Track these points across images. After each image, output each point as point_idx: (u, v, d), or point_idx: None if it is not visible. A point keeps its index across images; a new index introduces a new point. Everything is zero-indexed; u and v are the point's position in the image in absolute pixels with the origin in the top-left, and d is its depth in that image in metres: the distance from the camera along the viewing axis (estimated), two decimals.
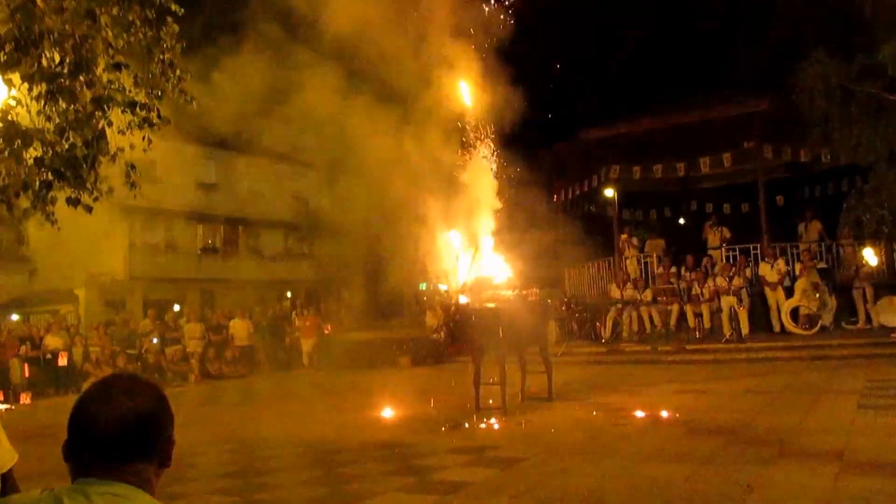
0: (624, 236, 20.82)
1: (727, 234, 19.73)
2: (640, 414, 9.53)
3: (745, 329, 16.32)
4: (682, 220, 24.66)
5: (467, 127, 12.13)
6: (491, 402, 10.43)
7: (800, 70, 14.57)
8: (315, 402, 13.61)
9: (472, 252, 11.29)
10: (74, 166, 4.91)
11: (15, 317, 22.04)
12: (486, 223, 11.63)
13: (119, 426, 1.65)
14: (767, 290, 16.91)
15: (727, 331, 16.32)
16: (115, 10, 4.94)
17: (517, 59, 12.25)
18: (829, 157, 17.18)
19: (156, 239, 27.87)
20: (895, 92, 13.94)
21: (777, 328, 16.67)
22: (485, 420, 9.81)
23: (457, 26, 11.90)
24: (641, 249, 20.83)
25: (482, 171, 11.96)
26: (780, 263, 17.09)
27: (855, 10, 14.10)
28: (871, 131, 14.07)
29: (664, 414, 9.41)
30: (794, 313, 16.41)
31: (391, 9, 11.55)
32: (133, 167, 5.42)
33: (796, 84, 14.61)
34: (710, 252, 19.30)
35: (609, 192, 20.88)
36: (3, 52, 4.52)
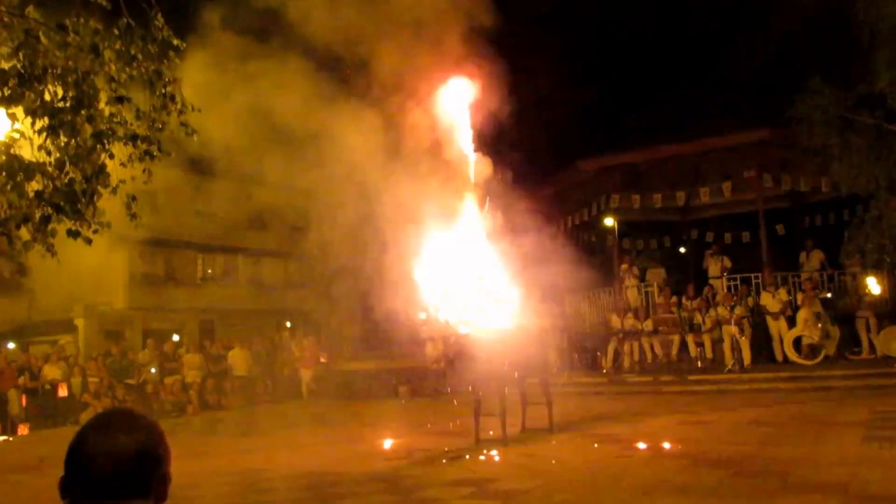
0: (624, 265, 20.79)
1: (728, 263, 19.73)
2: (642, 445, 9.46)
3: (747, 359, 16.26)
4: (682, 250, 24.67)
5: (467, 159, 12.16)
6: (491, 433, 10.36)
7: (798, 100, 14.64)
8: (314, 433, 13.52)
9: (474, 280, 11.26)
10: (73, 200, 4.92)
11: (11, 345, 21.91)
12: (486, 252, 11.61)
13: (117, 463, 1.63)
14: (769, 320, 16.86)
15: (729, 361, 16.24)
16: (118, 45, 4.97)
17: (516, 88, 12.29)
18: (829, 186, 17.21)
19: (155, 269, 27.83)
20: (894, 122, 13.99)
21: (780, 358, 16.60)
22: (485, 452, 9.73)
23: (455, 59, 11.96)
24: (642, 279, 20.81)
25: (481, 200, 11.97)
26: (782, 293, 17.06)
27: (853, 39, 14.18)
28: (870, 161, 14.10)
29: (666, 445, 9.34)
30: (797, 343, 16.34)
31: (391, 47, 11.63)
32: (134, 199, 5.43)
33: (795, 114, 14.67)
34: (711, 281, 19.27)
35: (609, 222, 20.90)
36: (6, 88, 4.54)
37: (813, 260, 18.83)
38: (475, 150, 12.12)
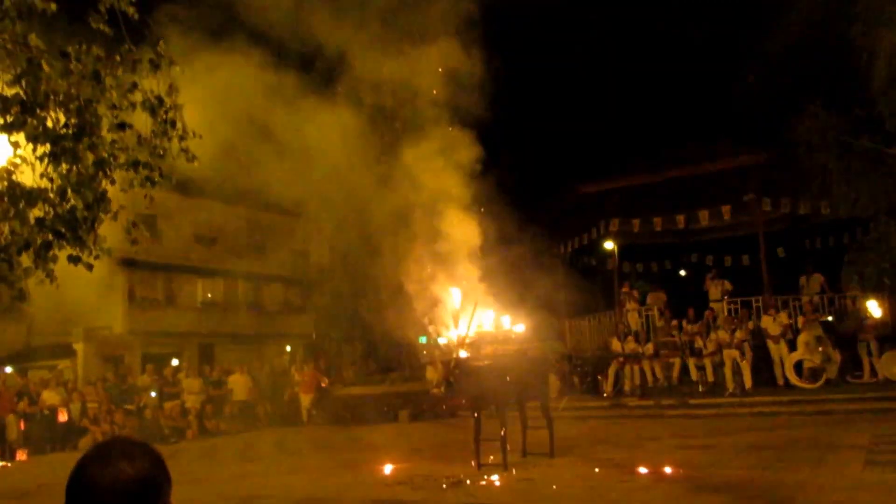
0: (625, 289, 20.81)
1: (728, 286, 19.74)
2: (643, 470, 9.40)
3: (748, 383, 16.22)
4: (682, 272, 24.69)
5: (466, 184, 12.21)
6: (492, 458, 10.30)
7: (797, 123, 14.71)
8: (315, 458, 13.45)
9: (472, 306, 11.25)
10: (74, 227, 4.94)
11: (8, 369, 21.84)
12: (486, 277, 11.62)
13: (118, 492, 1.64)
14: (770, 344, 16.82)
15: (730, 385, 16.19)
16: (119, 71, 5.01)
17: (515, 114, 12.39)
18: (828, 209, 17.24)
19: (155, 293, 27.82)
20: (893, 145, 14.04)
21: (781, 382, 16.55)
22: (486, 476, 9.68)
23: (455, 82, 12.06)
24: (642, 302, 20.80)
25: (479, 226, 12.00)
26: (783, 316, 17.04)
27: (851, 63, 14.28)
28: (870, 184, 14.14)
29: (668, 470, 9.29)
30: (798, 367, 16.30)
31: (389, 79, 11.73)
32: (135, 224, 5.45)
33: (794, 137, 14.73)
34: (712, 305, 19.27)
35: (609, 245, 20.93)
36: (9, 115, 4.57)
37: (813, 283, 18.84)
38: (477, 173, 12.16)
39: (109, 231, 5.46)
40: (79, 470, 1.68)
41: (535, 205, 20.63)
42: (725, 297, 19.34)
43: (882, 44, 13.69)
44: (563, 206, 21.81)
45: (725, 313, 18.37)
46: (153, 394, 19.31)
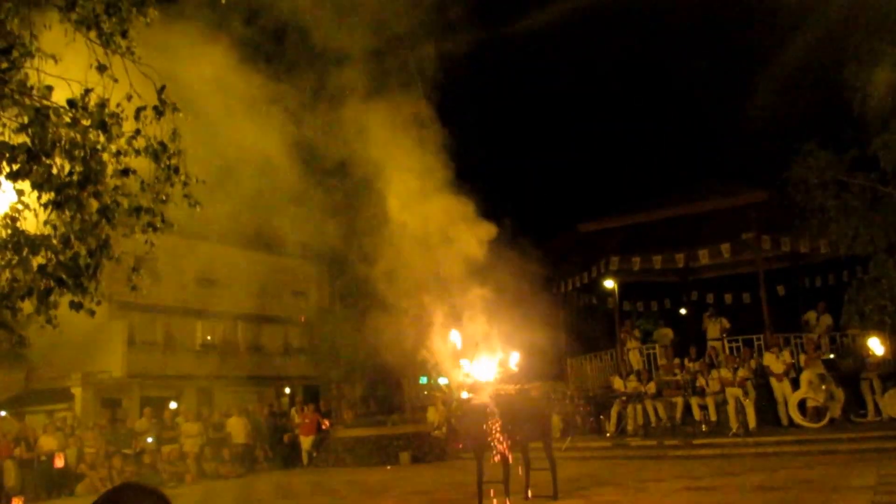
0: (626, 328, 20.78)
1: (726, 324, 19.69)
2: None
3: (752, 422, 16.10)
4: (683, 311, 24.65)
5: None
6: (495, 501, 10.18)
7: (794, 163, 14.80)
8: (315, 502, 13.29)
9: (473, 347, 11.20)
10: (77, 274, 4.94)
11: (3, 412, 21.68)
12: (487, 317, 11.58)
13: None
14: (773, 381, 16.71)
15: (734, 424, 16.06)
16: (124, 120, 5.05)
17: (515, 154, 12.47)
18: (827, 247, 17.27)
19: (154, 336, 27.72)
20: (889, 184, 14.12)
21: (785, 421, 16.43)
22: None
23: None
24: (644, 341, 20.74)
25: (482, 266, 12.00)
26: (786, 354, 16.95)
27: (845, 103, 14.42)
28: (867, 222, 14.18)
29: None
30: (802, 406, 16.18)
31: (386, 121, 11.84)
32: (135, 270, 5.45)
33: (791, 176, 14.82)
34: (711, 343, 19.21)
35: (609, 284, 20.92)
36: (15, 163, 4.60)
37: (823, 322, 18.72)
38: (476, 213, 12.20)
39: (110, 276, 5.46)
40: None
41: (535, 244, 20.64)
42: (725, 335, 19.28)
43: (875, 83, 13.85)
44: (563, 244, 21.84)
45: (726, 352, 18.30)
46: (150, 439, 19.13)
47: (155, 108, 5.19)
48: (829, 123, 15.62)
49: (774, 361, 16.84)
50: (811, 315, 19.24)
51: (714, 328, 19.77)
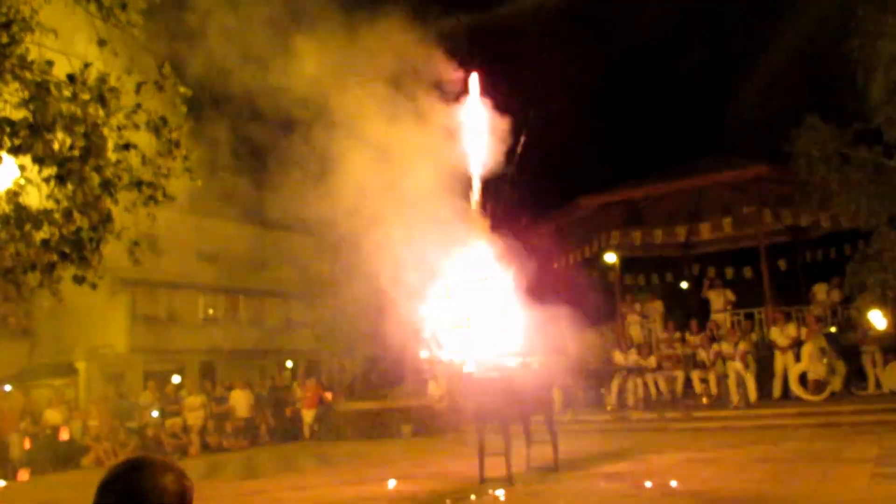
0: (627, 302, 20.81)
1: (731, 295, 19.68)
2: (648, 484, 9.36)
3: (752, 395, 16.17)
4: (684, 285, 24.67)
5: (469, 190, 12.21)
6: (496, 473, 10.26)
7: (796, 136, 14.74)
8: (317, 474, 13.40)
9: (474, 319, 11.23)
10: (80, 248, 4.95)
11: (8, 387, 21.81)
12: (489, 289, 11.60)
13: (180, 500, 1.71)
14: (777, 355, 16.74)
15: (735, 397, 16.13)
16: (123, 94, 5.04)
17: (516, 125, 12.41)
18: (829, 221, 17.27)
19: (157, 310, 27.82)
20: (892, 157, 14.07)
21: (777, 394, 16.48)
22: (490, 491, 9.64)
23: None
24: (644, 315, 20.77)
25: (484, 237, 11.99)
26: (791, 328, 16.96)
27: (848, 76, 14.33)
28: (870, 196, 14.15)
29: (673, 484, 9.24)
30: (803, 379, 16.24)
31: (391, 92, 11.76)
32: (137, 244, 5.45)
33: (793, 150, 14.76)
34: (715, 315, 19.25)
35: (610, 258, 20.92)
36: (17, 137, 4.59)
37: (833, 296, 18.67)
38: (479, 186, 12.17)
39: (111, 250, 5.46)
40: (119, 480, 1.69)
41: (535, 218, 20.62)
42: (729, 307, 19.31)
43: (878, 56, 13.76)
44: (564, 218, 21.82)
45: (729, 325, 18.35)
46: (154, 413, 19.26)
47: (155, 82, 5.18)
48: (832, 97, 15.54)
49: (779, 336, 16.86)
50: (820, 288, 19.11)
51: (717, 299, 19.77)
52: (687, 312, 21.26)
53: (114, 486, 1.68)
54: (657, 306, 21.04)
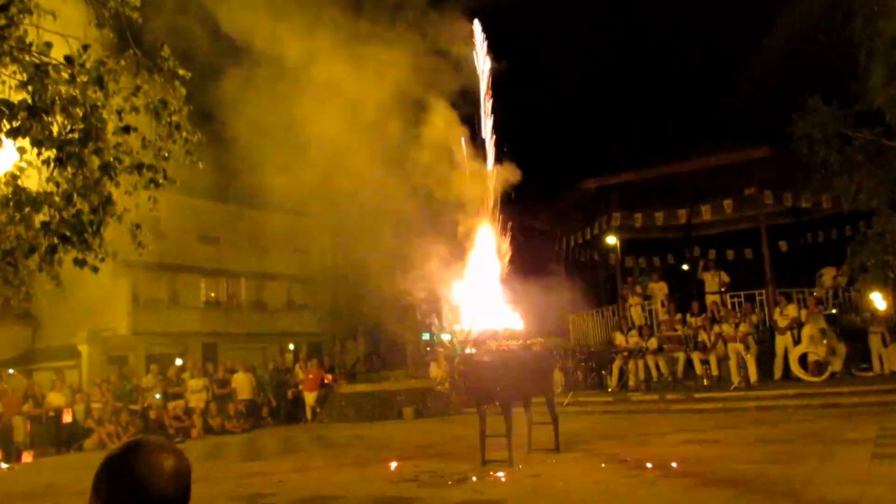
0: (628, 284, 20.83)
1: (725, 277, 19.70)
2: (648, 465, 9.40)
3: (753, 376, 16.22)
4: (685, 267, 24.70)
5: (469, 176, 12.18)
6: (497, 454, 10.30)
7: (797, 117, 14.69)
8: (320, 455, 13.47)
9: (477, 303, 11.25)
10: (80, 231, 4.95)
11: (11, 370, 21.90)
12: (490, 273, 11.61)
13: (176, 483, 1.71)
14: (778, 336, 16.78)
15: (735, 378, 16.19)
16: (123, 76, 5.02)
17: (519, 109, 12.38)
18: (830, 202, 17.25)
19: (159, 293, 27.86)
20: (893, 138, 14.02)
21: (778, 375, 16.54)
22: (491, 473, 9.68)
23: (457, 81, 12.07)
24: (645, 297, 20.80)
25: (484, 221, 11.98)
26: (790, 308, 17.00)
27: (850, 57, 14.25)
28: (871, 177, 14.12)
29: (674, 465, 9.28)
30: (803, 360, 16.29)
31: (391, 70, 11.73)
32: (138, 227, 5.46)
33: (795, 131, 14.71)
34: (709, 297, 19.29)
35: (611, 240, 20.93)
36: (15, 120, 4.58)
37: (839, 281, 18.66)
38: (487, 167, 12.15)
39: (113, 234, 5.46)
40: (124, 461, 1.69)
41: (537, 200, 20.60)
42: (723, 289, 19.33)
43: (880, 37, 13.67)
44: (565, 201, 21.82)
45: (723, 305, 18.41)
46: (157, 395, 19.35)
47: (154, 64, 5.16)
48: (834, 78, 15.46)
49: (780, 317, 16.90)
50: (828, 271, 19.08)
51: (712, 282, 19.80)
52: (688, 294, 21.29)
53: (109, 467, 1.69)
54: (661, 287, 21.07)
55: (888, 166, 14.10)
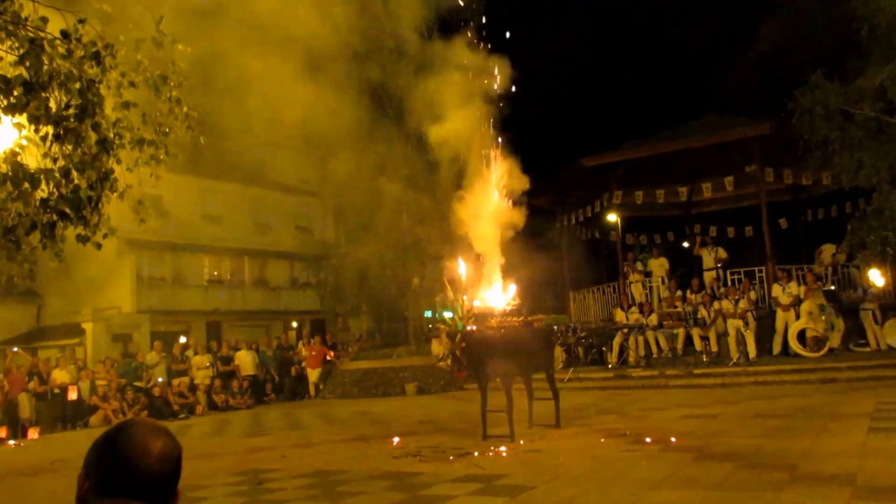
0: (629, 262, 20.86)
1: (723, 254, 19.71)
2: (648, 440, 9.48)
3: (752, 352, 16.29)
4: (685, 244, 24.73)
5: (470, 155, 12.20)
6: (498, 429, 10.39)
7: (799, 94, 14.65)
8: (323, 432, 13.57)
9: (478, 280, 11.30)
10: (78, 207, 4.97)
11: (16, 348, 22.03)
12: (492, 250, 11.65)
13: (166, 463, 1.70)
14: (779, 312, 16.84)
15: (734, 354, 16.27)
16: (122, 52, 5.03)
17: (521, 87, 12.37)
18: (830, 179, 17.25)
19: (163, 271, 27.96)
20: (894, 114, 13.99)
21: (777, 351, 16.62)
22: (493, 448, 9.76)
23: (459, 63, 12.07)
24: (646, 274, 20.84)
25: (486, 198, 12.01)
26: (792, 286, 17.03)
27: (852, 33, 14.20)
28: (872, 153, 14.11)
29: (673, 439, 9.36)
30: (802, 336, 16.35)
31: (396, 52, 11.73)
32: (140, 203, 5.48)
33: (796, 108, 14.68)
34: (705, 273, 19.34)
35: (612, 217, 20.95)
36: (11, 96, 4.59)
37: (838, 258, 18.66)
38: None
39: (116, 211, 5.49)
40: (117, 441, 1.70)
41: (538, 178, 20.60)
42: (720, 265, 19.37)
43: (882, 14, 13.62)
44: (566, 178, 21.81)
45: (719, 282, 18.47)
46: (160, 379, 19.45)
47: (153, 39, 5.17)
48: (835, 54, 15.41)
49: (781, 294, 16.95)
50: (827, 247, 19.07)
51: (708, 258, 19.83)
52: (689, 271, 21.32)
53: (98, 446, 1.72)
54: (662, 263, 21.09)
55: (888, 143, 14.09)
